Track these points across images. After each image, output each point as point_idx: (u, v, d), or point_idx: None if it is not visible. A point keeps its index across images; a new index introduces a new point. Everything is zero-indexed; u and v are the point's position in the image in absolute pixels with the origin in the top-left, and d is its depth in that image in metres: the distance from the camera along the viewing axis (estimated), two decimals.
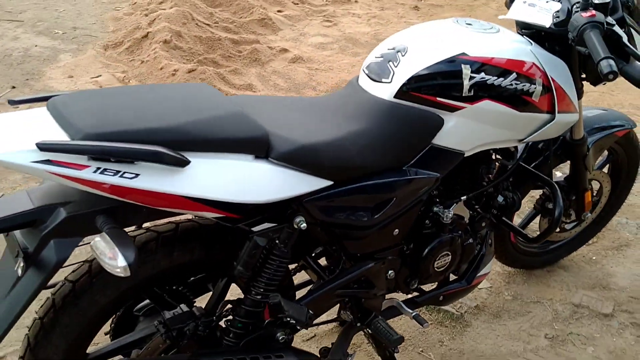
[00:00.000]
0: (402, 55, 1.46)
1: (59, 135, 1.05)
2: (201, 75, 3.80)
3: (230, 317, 1.44)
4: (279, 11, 5.41)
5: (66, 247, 1.10)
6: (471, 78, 1.42)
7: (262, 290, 1.34)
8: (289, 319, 1.36)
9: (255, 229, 1.36)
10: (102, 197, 1.10)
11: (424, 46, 1.47)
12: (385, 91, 1.44)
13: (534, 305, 2.27)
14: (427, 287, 1.81)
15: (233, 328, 1.37)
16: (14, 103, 1.21)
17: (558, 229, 2.20)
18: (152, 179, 1.08)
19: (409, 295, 1.77)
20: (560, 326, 2.17)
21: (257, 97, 1.79)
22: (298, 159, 1.25)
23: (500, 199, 1.76)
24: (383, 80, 1.46)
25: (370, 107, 1.44)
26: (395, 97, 1.43)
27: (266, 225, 1.37)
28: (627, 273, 2.45)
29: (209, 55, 4.26)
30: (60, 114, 1.09)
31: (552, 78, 1.54)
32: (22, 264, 1.08)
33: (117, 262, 1.03)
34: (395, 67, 1.45)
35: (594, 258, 2.55)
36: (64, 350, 1.25)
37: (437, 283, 1.81)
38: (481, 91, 1.44)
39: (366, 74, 1.52)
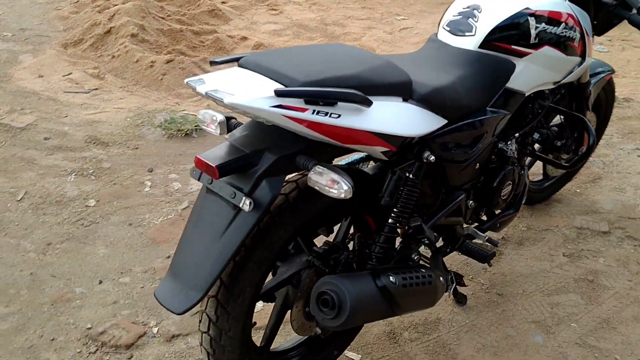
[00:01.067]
0: (479, 12, 1.73)
1: (273, 85, 1.22)
2: (180, 64, 3.88)
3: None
4: (223, 2, 5.50)
5: (277, 184, 1.27)
6: (536, 28, 1.72)
7: (400, 216, 1.56)
8: (424, 239, 1.59)
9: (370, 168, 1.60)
10: (295, 139, 1.28)
11: (494, 3, 1.75)
12: (470, 43, 1.71)
13: (545, 232, 2.64)
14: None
15: (375, 254, 1.57)
16: (215, 63, 1.35)
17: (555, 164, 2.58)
18: (350, 118, 1.27)
19: (474, 225, 2.06)
20: (571, 245, 2.56)
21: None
22: (432, 100, 1.49)
23: (536, 135, 2.09)
24: (467, 34, 1.72)
25: (460, 57, 1.70)
26: (479, 47, 1.70)
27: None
28: (608, 199, 2.90)
29: (175, 46, 4.31)
30: (266, 68, 1.25)
31: (584, 27, 1.88)
32: (248, 201, 1.23)
33: (341, 186, 1.22)
34: (476, 22, 1.72)
35: (577, 191, 2.98)
36: (256, 283, 1.40)
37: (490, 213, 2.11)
38: (543, 38, 1.74)
39: (447, 31, 1.77)
